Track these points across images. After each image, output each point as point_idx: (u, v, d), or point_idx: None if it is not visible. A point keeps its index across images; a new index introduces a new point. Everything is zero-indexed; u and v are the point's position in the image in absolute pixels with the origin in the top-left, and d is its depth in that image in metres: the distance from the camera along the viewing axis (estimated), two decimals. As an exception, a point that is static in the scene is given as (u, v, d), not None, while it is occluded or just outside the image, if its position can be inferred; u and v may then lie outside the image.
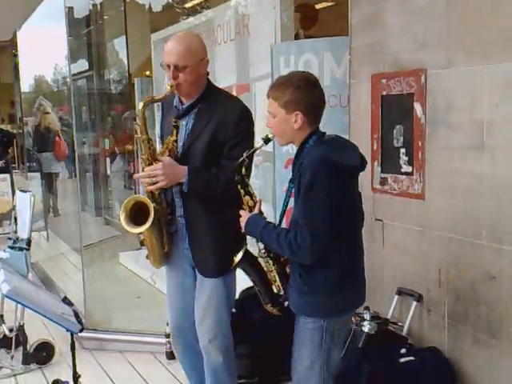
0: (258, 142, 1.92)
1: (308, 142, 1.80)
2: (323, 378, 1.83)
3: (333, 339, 1.82)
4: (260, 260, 1.93)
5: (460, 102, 2.24)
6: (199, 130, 2.12)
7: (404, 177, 2.53)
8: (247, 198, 1.90)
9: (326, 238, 1.72)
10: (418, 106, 2.42)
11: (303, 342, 1.83)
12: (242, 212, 1.91)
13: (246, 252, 1.91)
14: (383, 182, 2.65)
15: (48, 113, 7.23)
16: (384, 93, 2.60)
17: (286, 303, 1.91)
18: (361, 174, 1.88)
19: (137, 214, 2.12)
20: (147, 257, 2.32)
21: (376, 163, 2.68)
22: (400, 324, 2.55)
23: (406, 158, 2.52)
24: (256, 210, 1.89)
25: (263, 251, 1.89)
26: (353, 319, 2.43)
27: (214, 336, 2.25)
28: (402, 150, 2.53)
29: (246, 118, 2.14)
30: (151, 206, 2.08)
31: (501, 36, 2.06)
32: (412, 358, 2.34)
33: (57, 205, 7.14)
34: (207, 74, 2.19)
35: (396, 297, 2.60)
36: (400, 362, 2.33)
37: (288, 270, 1.90)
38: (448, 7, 2.26)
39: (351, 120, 2.83)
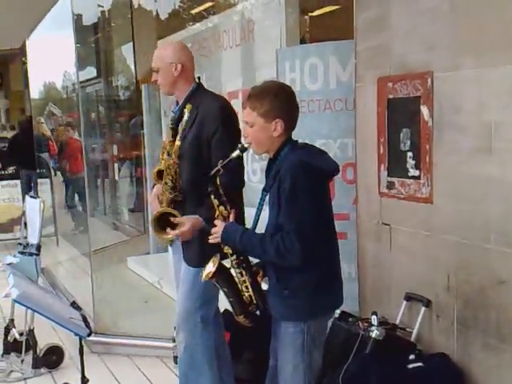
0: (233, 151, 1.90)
1: (283, 149, 1.85)
2: (307, 380, 1.86)
3: (314, 341, 1.85)
4: (231, 271, 1.93)
5: (467, 105, 2.22)
6: (187, 129, 2.27)
7: (411, 181, 2.51)
8: (221, 208, 1.91)
9: (312, 240, 1.75)
10: (424, 109, 2.41)
11: (285, 347, 1.86)
12: (216, 222, 1.91)
13: (220, 264, 1.90)
14: (390, 186, 2.63)
15: (42, 122, 8.31)
16: (390, 96, 2.58)
17: (258, 312, 1.92)
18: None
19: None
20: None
21: (383, 167, 2.66)
22: (408, 330, 2.52)
23: (413, 162, 2.49)
24: (231, 220, 1.90)
25: (235, 261, 1.90)
26: (360, 324, 2.41)
27: (178, 326, 2.35)
28: (409, 154, 2.51)
29: (224, 114, 2.24)
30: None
31: (508, 37, 2.04)
32: (421, 364, 2.32)
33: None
34: (196, 78, 2.35)
35: (404, 302, 2.57)
36: (408, 368, 2.30)
37: (259, 279, 1.93)
38: (454, 9, 2.24)
39: (357, 124, 2.82)
